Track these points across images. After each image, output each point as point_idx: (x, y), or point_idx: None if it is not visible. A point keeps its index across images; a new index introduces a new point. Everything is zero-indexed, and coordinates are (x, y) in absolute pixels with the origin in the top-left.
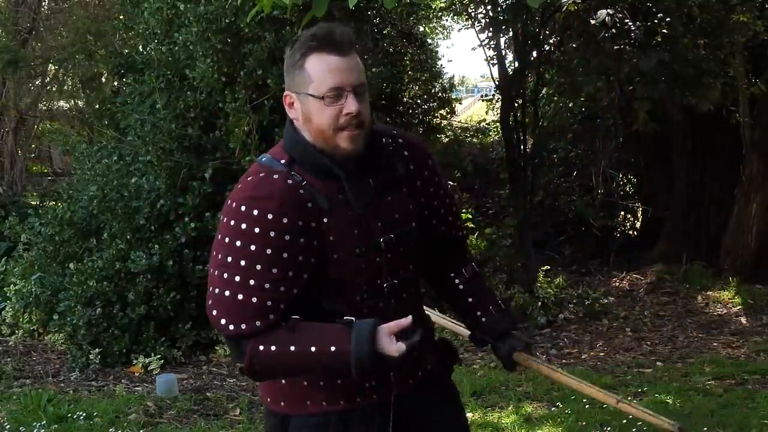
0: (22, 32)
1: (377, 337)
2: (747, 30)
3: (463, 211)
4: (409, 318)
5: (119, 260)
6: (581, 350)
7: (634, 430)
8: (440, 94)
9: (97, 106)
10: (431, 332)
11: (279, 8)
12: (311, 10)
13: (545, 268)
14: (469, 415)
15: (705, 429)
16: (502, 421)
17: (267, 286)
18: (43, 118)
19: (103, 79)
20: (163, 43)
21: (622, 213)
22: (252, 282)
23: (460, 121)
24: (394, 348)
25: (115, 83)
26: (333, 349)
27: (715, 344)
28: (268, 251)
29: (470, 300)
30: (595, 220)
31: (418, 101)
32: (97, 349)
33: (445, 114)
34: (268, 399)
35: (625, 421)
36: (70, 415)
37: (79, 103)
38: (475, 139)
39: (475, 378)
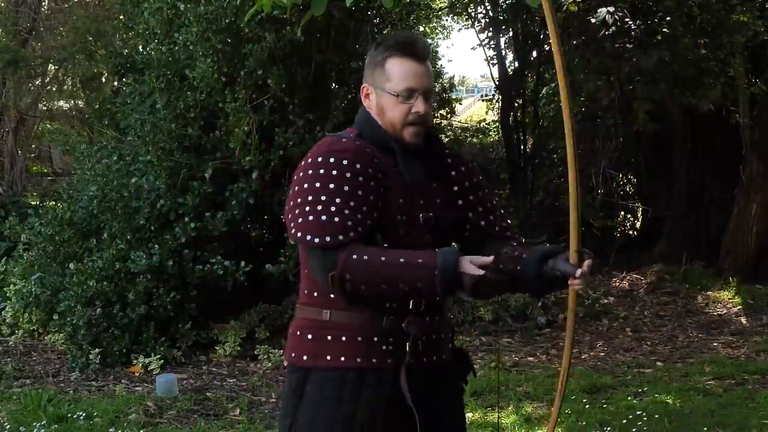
0: (22, 32)
1: (461, 258)
2: (747, 30)
3: None
4: (491, 257)
5: (119, 260)
6: (581, 350)
7: (634, 430)
8: (440, 94)
9: (97, 106)
10: (451, 327)
11: (279, 8)
12: (310, 9)
13: None
14: (469, 415)
15: (705, 429)
16: (502, 421)
17: (347, 212)
18: (43, 118)
19: (103, 79)
20: (163, 43)
21: (622, 213)
22: (333, 208)
23: (460, 121)
24: (473, 268)
25: (115, 83)
26: (420, 261)
27: (715, 344)
28: (346, 188)
29: (515, 251)
30: (595, 220)
31: None
32: (97, 349)
33: (445, 114)
34: (293, 354)
35: (624, 421)
36: (70, 415)
37: (79, 103)
38: (475, 139)
39: (475, 378)
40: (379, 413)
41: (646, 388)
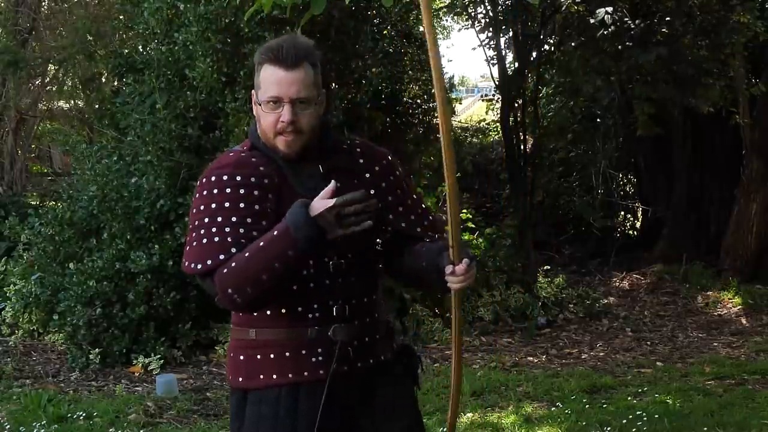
0: (22, 32)
1: (309, 205)
2: (747, 30)
3: (463, 211)
4: (334, 184)
5: (119, 260)
6: (581, 350)
7: (634, 430)
8: None
9: (97, 106)
10: (389, 328)
11: (279, 8)
12: (310, 9)
13: (545, 268)
14: (469, 414)
15: (705, 429)
16: (502, 421)
17: (227, 229)
18: (43, 118)
19: (103, 79)
20: (163, 43)
21: (622, 213)
22: (214, 229)
23: (460, 121)
24: (321, 204)
25: (115, 83)
26: (275, 233)
27: (715, 344)
28: (227, 204)
29: (423, 249)
30: (595, 220)
31: (418, 101)
32: (97, 349)
33: None
34: (230, 377)
35: (624, 421)
36: (70, 415)
37: (79, 103)
38: (475, 139)
39: (475, 378)
40: (320, 425)
41: (646, 388)
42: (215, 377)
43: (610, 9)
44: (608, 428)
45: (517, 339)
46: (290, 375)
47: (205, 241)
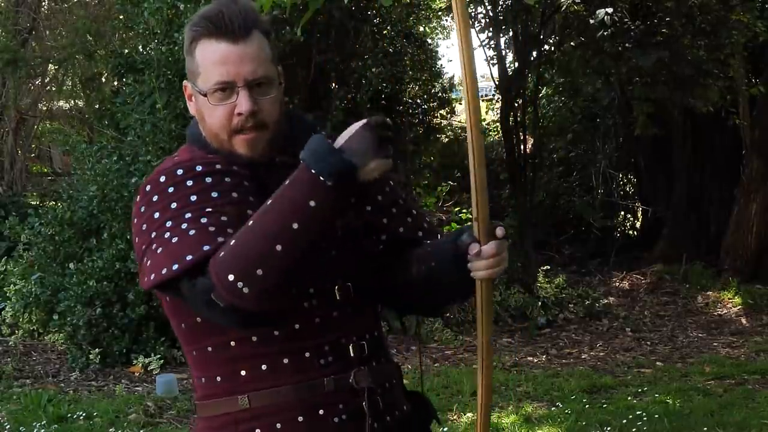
0: (22, 32)
1: (331, 138)
2: (747, 30)
3: (463, 211)
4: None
5: (119, 260)
6: (581, 350)
7: (634, 430)
8: (440, 94)
9: (97, 106)
10: (399, 374)
11: (279, 8)
12: (310, 8)
13: (545, 268)
14: (469, 414)
15: (705, 429)
16: (502, 421)
17: (204, 220)
18: (43, 118)
19: (103, 79)
20: (163, 43)
21: (622, 213)
22: (184, 226)
23: (460, 121)
24: (353, 128)
25: (115, 83)
26: (288, 181)
27: (715, 344)
28: (193, 198)
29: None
30: (595, 220)
31: (418, 101)
32: (97, 349)
33: (445, 114)
34: None
35: (624, 421)
36: (70, 415)
37: (79, 103)
38: None
39: (475, 378)
40: None
41: (646, 388)
42: None
43: (610, 9)
44: (608, 428)
45: (517, 339)
46: None
47: (176, 239)
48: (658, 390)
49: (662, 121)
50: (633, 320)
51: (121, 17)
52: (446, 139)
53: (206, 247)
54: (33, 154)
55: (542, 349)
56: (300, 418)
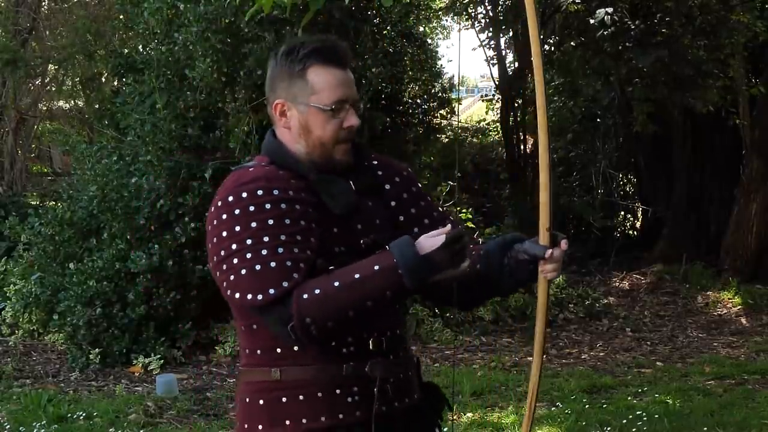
0: (22, 32)
1: (417, 242)
2: (747, 30)
3: (463, 211)
4: (446, 228)
5: (119, 260)
6: (581, 350)
7: (634, 430)
8: (440, 94)
9: (97, 106)
10: (417, 366)
11: (279, 8)
12: (309, 10)
13: None
14: (469, 414)
15: (705, 429)
16: (502, 421)
17: (281, 250)
18: (43, 118)
19: (103, 79)
20: (163, 43)
21: (622, 213)
22: (264, 252)
23: (460, 121)
24: (437, 239)
25: (115, 83)
26: (377, 267)
27: (715, 344)
28: (270, 222)
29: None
30: (595, 220)
31: (418, 101)
32: (97, 349)
33: (445, 114)
34: (246, 426)
35: (624, 421)
36: (70, 415)
37: (79, 103)
38: (475, 139)
39: (475, 378)
40: None
41: (646, 388)
42: (215, 377)
43: (610, 9)
44: (608, 428)
45: (517, 339)
46: (323, 418)
47: (258, 267)
48: (658, 390)
49: (662, 121)
50: (633, 320)
51: (121, 17)
52: (446, 139)
53: (285, 284)
54: (33, 154)
55: None
56: (319, 394)
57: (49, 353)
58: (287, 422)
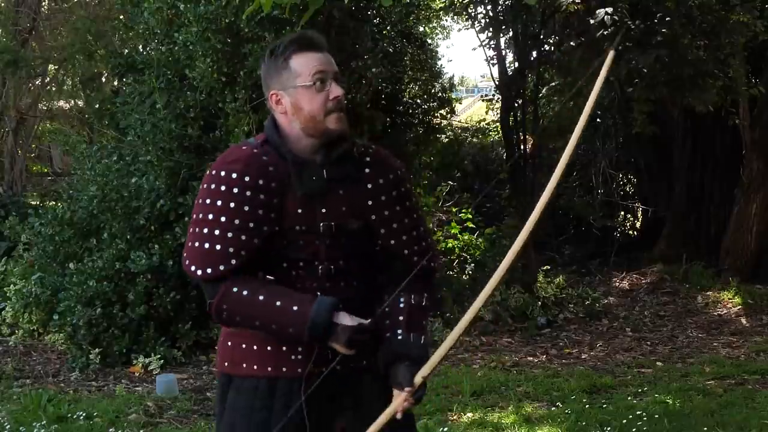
0: (22, 32)
1: (337, 311)
2: (747, 30)
3: (463, 211)
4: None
5: (119, 260)
6: (581, 350)
7: (634, 430)
8: (440, 94)
9: (97, 106)
10: (379, 336)
11: (279, 8)
12: (309, 9)
13: (545, 268)
14: (469, 414)
15: (705, 429)
16: (502, 421)
17: (229, 235)
18: (43, 118)
19: (103, 79)
20: (163, 43)
21: (622, 213)
22: (216, 232)
23: (460, 121)
24: (349, 321)
25: (115, 83)
26: (295, 308)
27: (715, 344)
28: (232, 204)
29: (400, 318)
30: (595, 220)
31: (418, 101)
32: (97, 349)
33: (445, 114)
34: (218, 361)
35: (624, 421)
36: (70, 415)
37: (79, 103)
38: (475, 139)
39: (475, 378)
40: (293, 420)
41: (646, 388)
42: (215, 377)
43: (610, 9)
44: (608, 428)
45: (517, 339)
46: (269, 368)
47: (207, 245)
48: (658, 390)
49: (662, 121)
50: (633, 320)
51: (121, 17)
52: (446, 139)
53: (221, 268)
54: (33, 154)
55: (542, 349)
56: (269, 348)
57: (49, 353)
58: (243, 365)
